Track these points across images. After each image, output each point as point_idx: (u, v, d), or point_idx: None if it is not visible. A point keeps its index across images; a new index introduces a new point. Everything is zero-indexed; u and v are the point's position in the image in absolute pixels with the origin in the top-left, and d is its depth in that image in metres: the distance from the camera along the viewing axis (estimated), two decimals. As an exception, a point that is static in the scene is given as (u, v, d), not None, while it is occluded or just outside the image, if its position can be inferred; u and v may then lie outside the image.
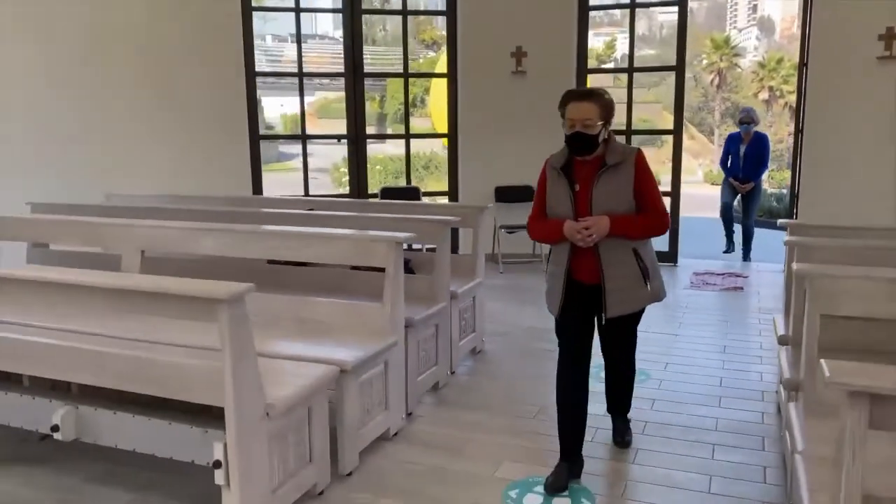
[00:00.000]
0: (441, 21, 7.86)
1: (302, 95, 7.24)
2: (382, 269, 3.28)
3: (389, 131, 28.68)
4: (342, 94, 7.43)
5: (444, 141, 7.59)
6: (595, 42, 37.33)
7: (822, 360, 1.72)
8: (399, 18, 7.43)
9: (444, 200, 7.55)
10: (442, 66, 8.27)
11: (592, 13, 7.20)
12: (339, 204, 5.57)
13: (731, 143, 7.72)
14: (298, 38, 7.06)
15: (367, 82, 7.47)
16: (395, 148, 19.79)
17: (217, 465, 2.37)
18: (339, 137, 7.80)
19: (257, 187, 6.93)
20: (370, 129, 12.53)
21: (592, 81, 7.36)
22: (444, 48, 7.75)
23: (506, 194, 7.08)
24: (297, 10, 7.02)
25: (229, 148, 6.69)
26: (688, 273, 6.75)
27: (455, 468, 3.01)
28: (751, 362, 4.32)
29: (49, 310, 3.21)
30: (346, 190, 7.45)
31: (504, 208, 6.98)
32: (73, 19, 6.08)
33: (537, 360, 4.31)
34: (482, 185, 7.14)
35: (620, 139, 3.09)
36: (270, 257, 3.88)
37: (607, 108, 2.74)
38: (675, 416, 3.53)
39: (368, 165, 7.63)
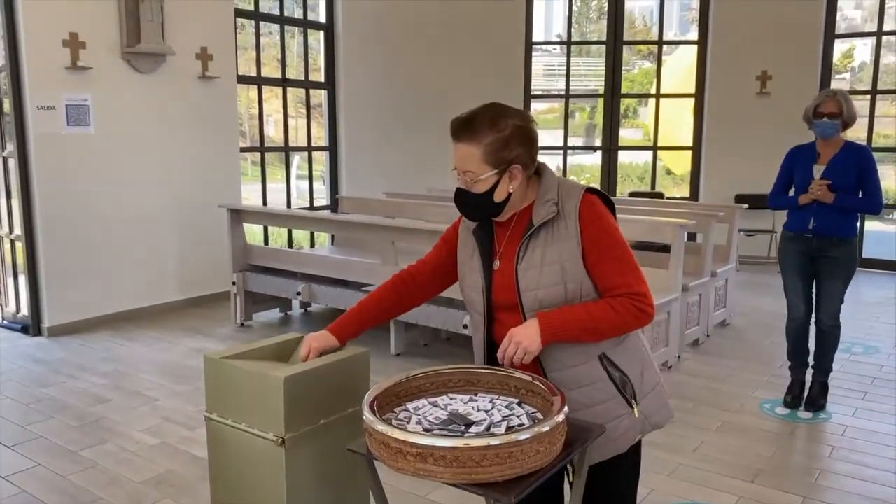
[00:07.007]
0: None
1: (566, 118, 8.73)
2: (665, 248, 4.55)
3: (597, 142, 29.66)
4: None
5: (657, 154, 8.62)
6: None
7: None
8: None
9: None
10: (665, 81, 9.29)
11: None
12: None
13: None
14: (568, 68, 8.53)
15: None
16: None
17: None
18: (594, 148, 9.17)
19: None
20: (576, 141, 14.03)
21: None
22: (656, 60, 8.77)
23: (744, 200, 7.93)
24: (569, 42, 8.57)
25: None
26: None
27: (721, 389, 4.19)
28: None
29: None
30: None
31: (743, 214, 7.87)
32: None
33: (779, 333, 5.29)
34: (722, 192, 8.07)
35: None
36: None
37: (503, 146, 1.61)
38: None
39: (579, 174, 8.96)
